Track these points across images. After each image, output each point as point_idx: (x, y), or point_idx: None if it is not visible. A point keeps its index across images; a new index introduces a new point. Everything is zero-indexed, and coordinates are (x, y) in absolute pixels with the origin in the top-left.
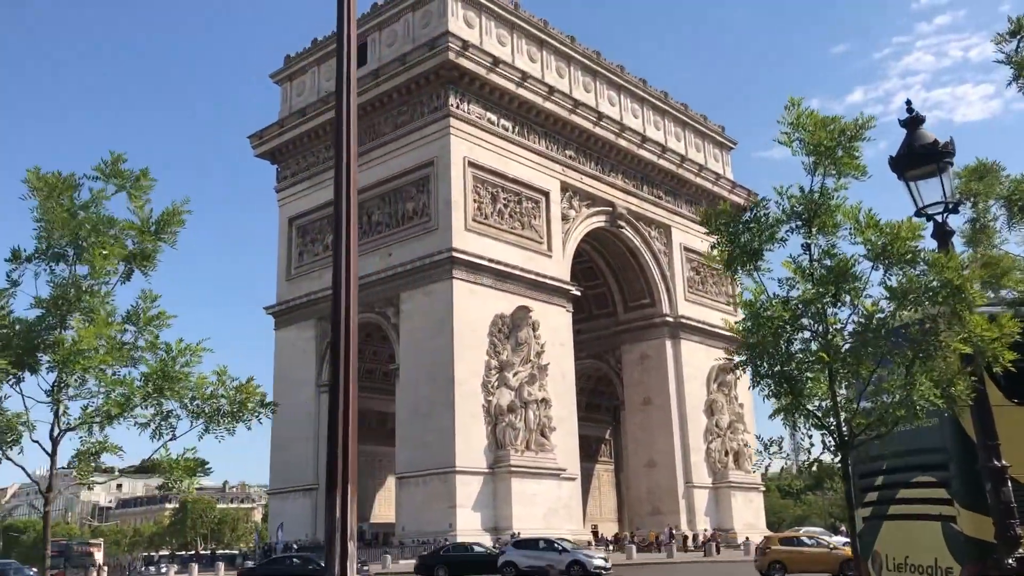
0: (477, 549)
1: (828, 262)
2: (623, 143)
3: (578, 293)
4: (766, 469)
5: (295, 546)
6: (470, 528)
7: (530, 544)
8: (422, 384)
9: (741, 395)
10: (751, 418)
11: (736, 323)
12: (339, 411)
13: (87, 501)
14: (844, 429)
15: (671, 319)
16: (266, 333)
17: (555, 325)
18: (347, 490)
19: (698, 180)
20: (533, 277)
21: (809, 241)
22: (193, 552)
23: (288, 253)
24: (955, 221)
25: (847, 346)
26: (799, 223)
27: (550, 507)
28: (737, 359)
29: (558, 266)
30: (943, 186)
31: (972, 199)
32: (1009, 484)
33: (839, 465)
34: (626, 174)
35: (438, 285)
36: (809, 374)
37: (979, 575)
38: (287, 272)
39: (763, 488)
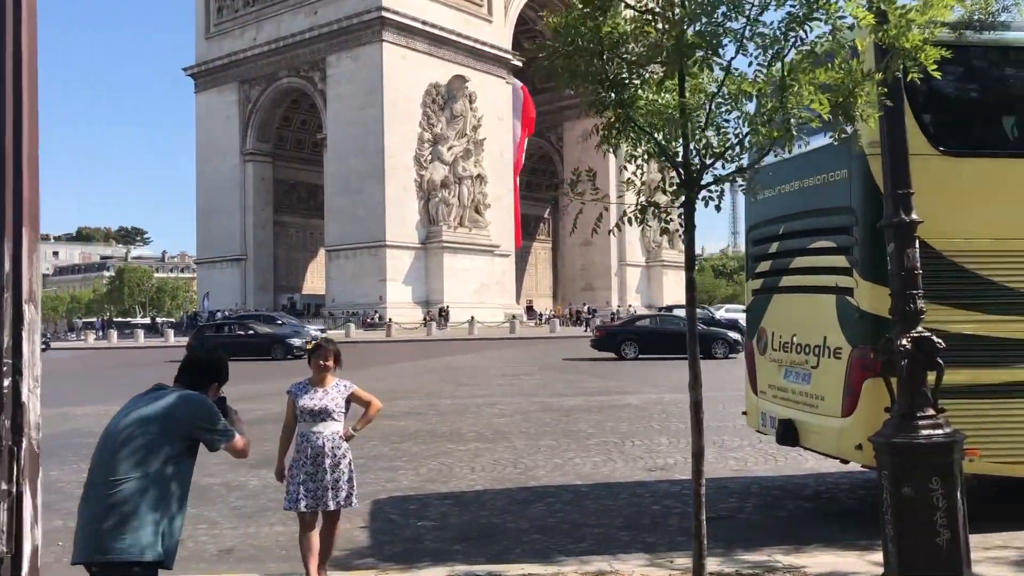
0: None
1: None
2: None
3: (519, 63)
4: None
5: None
6: (401, 301)
7: None
8: (352, 156)
9: None
10: None
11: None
12: (7, 131)
13: None
14: (693, 159)
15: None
16: (189, 99)
17: (494, 97)
18: (20, 235)
19: None
20: (471, 44)
21: None
22: (107, 319)
23: (207, 9)
24: None
25: (698, 27)
26: None
27: (482, 282)
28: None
29: (499, 33)
30: None
31: None
32: (917, 245)
33: (680, 211)
34: None
35: (367, 48)
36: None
37: (868, 357)
38: (206, 30)
39: (697, 268)
